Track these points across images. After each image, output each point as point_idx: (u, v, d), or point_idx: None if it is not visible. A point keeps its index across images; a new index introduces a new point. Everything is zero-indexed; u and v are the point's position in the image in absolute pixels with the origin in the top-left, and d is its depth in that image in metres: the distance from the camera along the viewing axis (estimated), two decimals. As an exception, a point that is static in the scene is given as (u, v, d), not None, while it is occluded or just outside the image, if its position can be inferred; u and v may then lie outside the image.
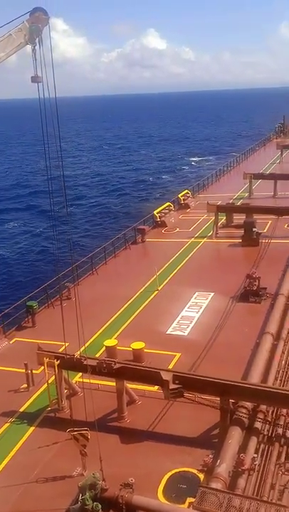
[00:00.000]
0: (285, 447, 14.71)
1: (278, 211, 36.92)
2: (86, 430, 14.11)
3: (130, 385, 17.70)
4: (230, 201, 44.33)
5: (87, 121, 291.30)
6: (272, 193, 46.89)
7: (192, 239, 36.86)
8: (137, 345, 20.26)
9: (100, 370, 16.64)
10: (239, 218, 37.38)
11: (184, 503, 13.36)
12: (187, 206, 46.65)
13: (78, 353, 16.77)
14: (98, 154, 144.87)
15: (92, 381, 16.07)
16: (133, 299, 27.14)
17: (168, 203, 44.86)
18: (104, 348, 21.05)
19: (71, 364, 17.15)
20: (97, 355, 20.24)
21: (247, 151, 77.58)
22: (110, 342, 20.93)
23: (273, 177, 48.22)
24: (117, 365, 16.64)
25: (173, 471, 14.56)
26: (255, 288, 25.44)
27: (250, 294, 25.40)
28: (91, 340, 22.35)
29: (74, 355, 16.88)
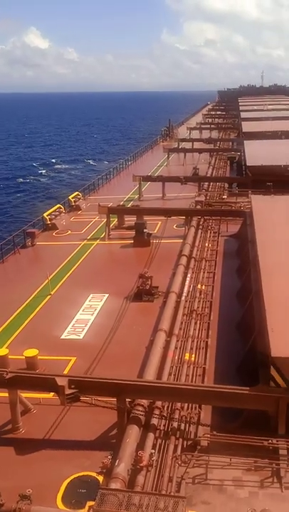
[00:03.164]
0: (181, 440, 15.18)
1: (167, 212, 38.16)
2: (-23, 446, 13.37)
3: (24, 394, 17.09)
4: (121, 203, 44.92)
5: None
6: (161, 195, 48.37)
7: (84, 241, 36.69)
8: (30, 352, 19.61)
9: (-9, 381, 15.88)
10: (130, 220, 37.98)
11: (83, 507, 13.17)
12: (78, 208, 46.34)
13: None
14: None
15: (-18, 393, 15.26)
16: (24, 305, 26.24)
17: (58, 205, 44.18)
18: (-6, 358, 20.09)
19: None
20: (-13, 366, 19.26)
21: (135, 153, 79.14)
22: (1, 351, 20.03)
23: (161, 179, 49.76)
24: (9, 375, 15.96)
25: (72, 477, 14.28)
26: (147, 287, 26.01)
27: (143, 293, 25.91)
28: (-20, 350, 21.23)
29: None
